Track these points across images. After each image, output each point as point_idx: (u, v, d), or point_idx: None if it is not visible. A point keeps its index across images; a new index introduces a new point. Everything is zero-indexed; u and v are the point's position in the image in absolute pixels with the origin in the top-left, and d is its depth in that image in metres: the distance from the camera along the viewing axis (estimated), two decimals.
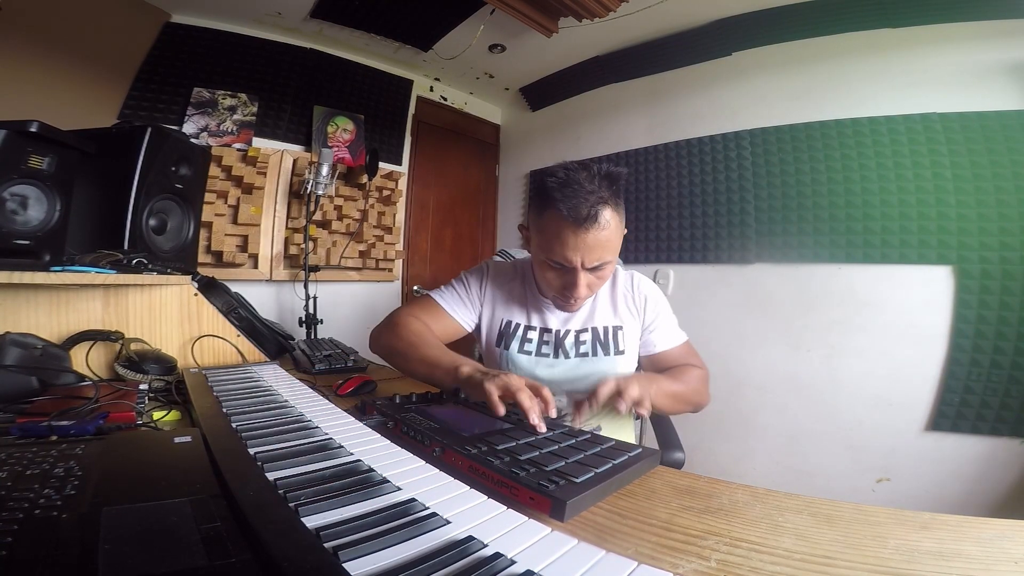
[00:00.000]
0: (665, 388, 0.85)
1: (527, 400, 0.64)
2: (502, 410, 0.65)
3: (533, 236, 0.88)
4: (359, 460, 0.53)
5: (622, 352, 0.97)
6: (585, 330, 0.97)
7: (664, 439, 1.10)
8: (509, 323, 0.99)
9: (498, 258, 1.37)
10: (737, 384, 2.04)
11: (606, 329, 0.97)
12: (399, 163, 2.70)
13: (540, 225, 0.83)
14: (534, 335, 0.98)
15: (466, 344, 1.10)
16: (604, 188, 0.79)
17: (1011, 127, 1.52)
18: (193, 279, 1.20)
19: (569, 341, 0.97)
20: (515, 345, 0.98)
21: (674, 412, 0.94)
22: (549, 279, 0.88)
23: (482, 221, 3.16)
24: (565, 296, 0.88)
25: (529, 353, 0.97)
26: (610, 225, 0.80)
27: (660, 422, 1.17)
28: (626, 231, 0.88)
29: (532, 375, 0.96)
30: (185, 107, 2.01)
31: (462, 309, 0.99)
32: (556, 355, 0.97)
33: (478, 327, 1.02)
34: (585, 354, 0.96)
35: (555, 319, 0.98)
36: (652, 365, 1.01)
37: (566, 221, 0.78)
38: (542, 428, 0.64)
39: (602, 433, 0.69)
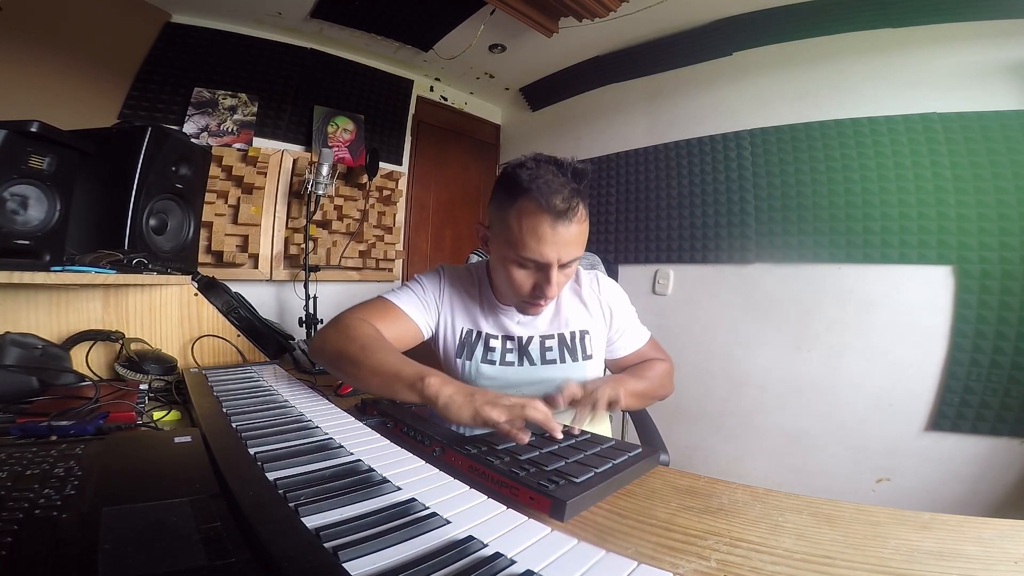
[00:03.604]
0: (630, 388, 0.84)
1: (541, 415, 0.62)
2: (526, 437, 0.60)
3: (499, 233, 0.81)
4: (359, 460, 0.53)
5: (590, 356, 0.93)
6: (551, 336, 0.93)
7: (647, 440, 1.06)
8: (470, 332, 0.93)
9: (475, 256, 1.35)
10: (737, 384, 2.03)
11: (573, 334, 0.93)
12: (399, 163, 2.69)
13: (510, 220, 0.77)
14: (496, 343, 0.92)
15: (428, 355, 1.01)
16: (575, 181, 0.76)
17: (1011, 127, 1.52)
18: (193, 279, 1.20)
19: (534, 347, 0.92)
20: (478, 355, 0.92)
21: (639, 408, 0.92)
22: (518, 280, 0.81)
23: (482, 221, 3.16)
24: (535, 297, 0.81)
25: (493, 362, 0.91)
26: (584, 220, 0.78)
27: (642, 423, 1.15)
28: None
29: (498, 386, 0.92)
30: (185, 107, 2.00)
31: (420, 311, 0.91)
32: (521, 363, 0.92)
33: (435, 335, 0.95)
34: (552, 361, 0.92)
35: (517, 325, 0.93)
36: (618, 367, 1.00)
37: (544, 214, 0.73)
38: (559, 435, 0.64)
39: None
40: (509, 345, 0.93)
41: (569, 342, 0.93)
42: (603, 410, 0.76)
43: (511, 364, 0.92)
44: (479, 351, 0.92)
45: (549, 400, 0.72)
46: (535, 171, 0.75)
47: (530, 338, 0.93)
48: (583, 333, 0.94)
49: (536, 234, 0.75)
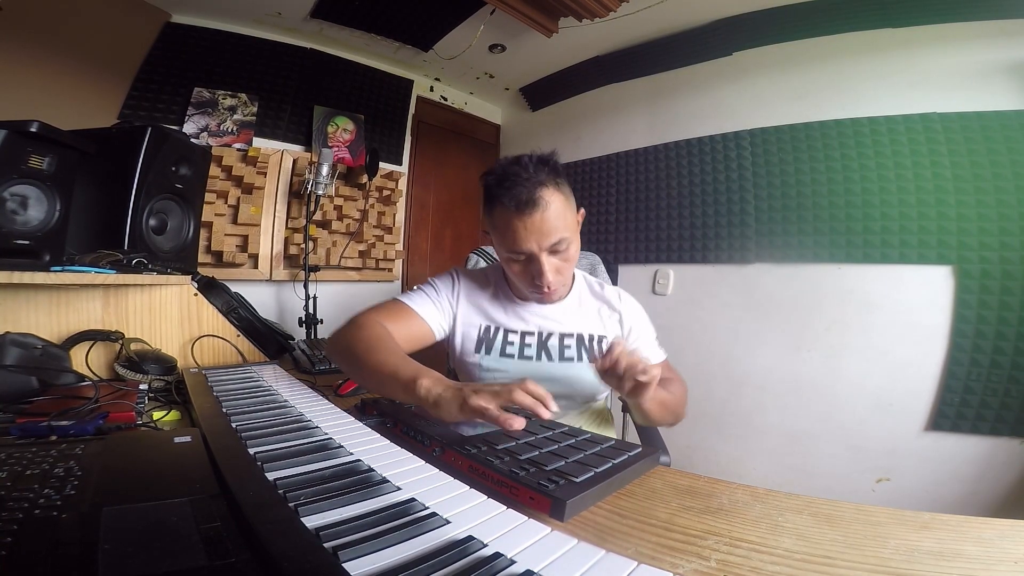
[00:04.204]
0: (658, 395, 0.82)
1: (527, 398, 0.59)
2: (520, 423, 0.57)
3: (492, 237, 0.89)
4: (359, 460, 0.53)
5: None
6: (571, 335, 0.96)
7: (647, 440, 1.07)
8: (488, 327, 0.96)
9: (475, 255, 1.36)
10: (737, 384, 2.03)
11: (591, 336, 0.96)
12: (399, 163, 2.69)
13: (492, 223, 0.86)
14: (515, 337, 0.95)
15: (437, 356, 1.02)
16: (540, 172, 0.82)
17: (1011, 127, 1.52)
18: (193, 279, 1.20)
19: (553, 343, 0.95)
20: (496, 349, 0.95)
21: (657, 420, 0.90)
22: (517, 273, 0.88)
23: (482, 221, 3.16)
24: (537, 286, 0.87)
25: (512, 356, 0.94)
26: (553, 204, 0.82)
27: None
28: (583, 211, 0.92)
29: (513, 377, 0.92)
30: (185, 107, 2.00)
31: (434, 313, 0.94)
32: (540, 357, 0.94)
33: (451, 334, 0.98)
34: (571, 359, 0.94)
35: (538, 319, 0.96)
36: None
37: (511, 211, 0.80)
38: (548, 414, 0.59)
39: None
40: (528, 340, 0.95)
41: (587, 343, 0.96)
42: (644, 376, 0.68)
43: (530, 358, 0.94)
44: (497, 345, 0.95)
45: (604, 357, 0.71)
46: (500, 175, 0.82)
47: (550, 333, 0.95)
48: (601, 337, 0.96)
49: (511, 231, 0.82)
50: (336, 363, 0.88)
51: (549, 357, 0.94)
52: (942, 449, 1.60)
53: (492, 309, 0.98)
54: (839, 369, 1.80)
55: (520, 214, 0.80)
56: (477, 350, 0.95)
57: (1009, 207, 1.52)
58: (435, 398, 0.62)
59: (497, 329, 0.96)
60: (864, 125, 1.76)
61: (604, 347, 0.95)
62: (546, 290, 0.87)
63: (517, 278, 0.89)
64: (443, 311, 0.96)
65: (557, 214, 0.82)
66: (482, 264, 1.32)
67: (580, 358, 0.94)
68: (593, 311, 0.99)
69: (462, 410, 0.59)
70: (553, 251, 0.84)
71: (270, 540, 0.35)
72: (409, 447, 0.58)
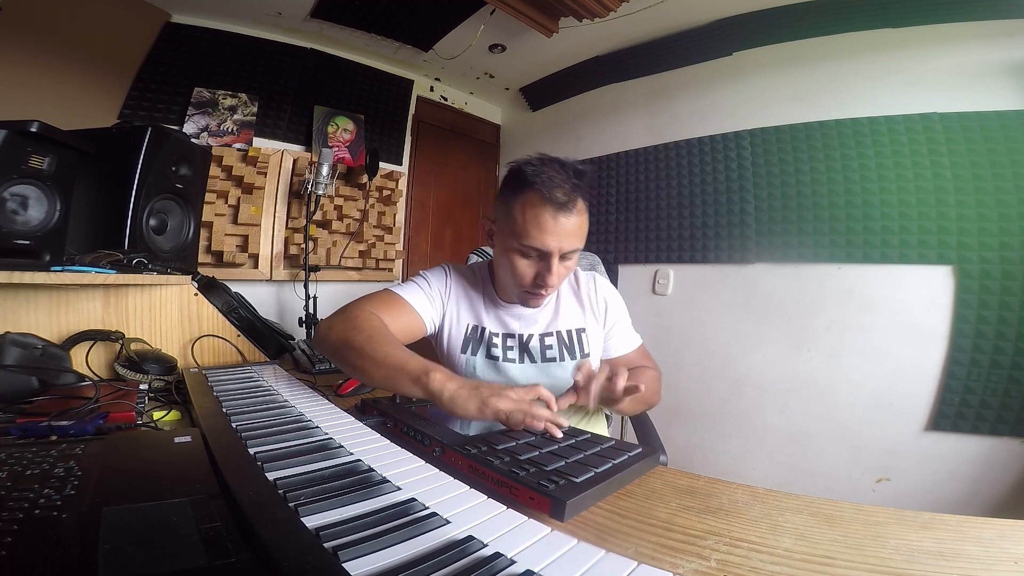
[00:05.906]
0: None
1: (546, 413, 0.62)
2: (540, 424, 0.60)
3: (504, 225, 0.85)
4: (359, 460, 0.53)
5: (587, 355, 0.96)
6: (550, 334, 0.96)
7: (644, 440, 1.07)
8: (475, 328, 0.95)
9: (475, 255, 1.36)
10: (737, 384, 2.03)
11: (570, 332, 0.96)
12: (399, 163, 2.69)
13: (515, 211, 0.82)
14: (499, 340, 0.95)
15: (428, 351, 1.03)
16: (580, 179, 0.82)
17: (1011, 127, 1.52)
18: (193, 279, 1.20)
19: (534, 345, 0.95)
20: (482, 350, 0.95)
21: (631, 413, 0.95)
22: (521, 269, 0.84)
23: (488, 216, 3.16)
24: (536, 286, 0.85)
25: (496, 358, 0.94)
26: (583, 213, 0.83)
27: (640, 423, 1.16)
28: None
29: (499, 382, 0.94)
30: (185, 107, 2.00)
31: (427, 306, 0.93)
32: (522, 359, 0.95)
33: (439, 329, 0.97)
34: (552, 358, 0.95)
35: (517, 323, 0.96)
36: (609, 368, 1.02)
37: (546, 204, 0.78)
38: (560, 434, 0.64)
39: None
40: (510, 343, 0.95)
41: (567, 340, 0.96)
42: (620, 389, 0.73)
43: (513, 361, 0.95)
44: (483, 347, 0.95)
45: (572, 388, 0.75)
46: (539, 167, 0.80)
47: (530, 336, 0.95)
48: (580, 331, 0.97)
49: (539, 223, 0.79)
50: (327, 354, 0.84)
51: (532, 359, 0.95)
52: (942, 449, 1.60)
53: (478, 308, 0.97)
54: (839, 369, 1.80)
55: (555, 210, 0.79)
56: (463, 349, 0.95)
57: (1009, 207, 1.52)
58: (451, 394, 0.62)
59: (483, 330, 0.96)
60: (864, 125, 1.76)
61: (584, 339, 0.96)
62: (543, 293, 0.86)
63: (516, 276, 0.85)
64: (435, 305, 0.95)
65: (581, 224, 0.83)
66: None
67: (562, 357, 0.95)
68: (572, 304, 0.99)
69: (480, 411, 0.60)
70: (564, 258, 0.83)
71: (270, 540, 0.35)
72: (409, 447, 0.58)
